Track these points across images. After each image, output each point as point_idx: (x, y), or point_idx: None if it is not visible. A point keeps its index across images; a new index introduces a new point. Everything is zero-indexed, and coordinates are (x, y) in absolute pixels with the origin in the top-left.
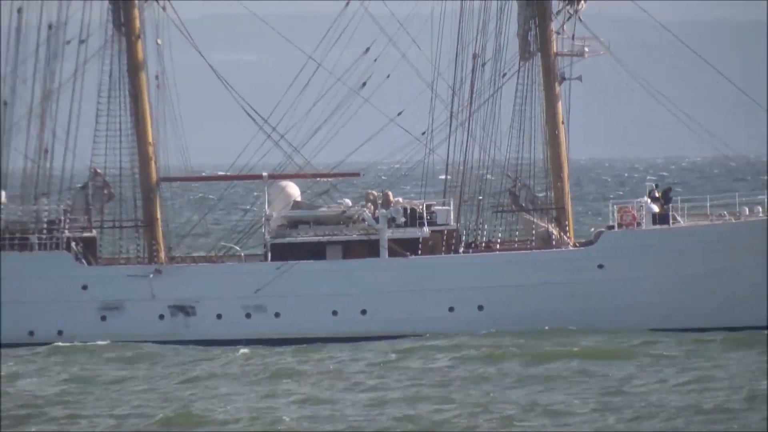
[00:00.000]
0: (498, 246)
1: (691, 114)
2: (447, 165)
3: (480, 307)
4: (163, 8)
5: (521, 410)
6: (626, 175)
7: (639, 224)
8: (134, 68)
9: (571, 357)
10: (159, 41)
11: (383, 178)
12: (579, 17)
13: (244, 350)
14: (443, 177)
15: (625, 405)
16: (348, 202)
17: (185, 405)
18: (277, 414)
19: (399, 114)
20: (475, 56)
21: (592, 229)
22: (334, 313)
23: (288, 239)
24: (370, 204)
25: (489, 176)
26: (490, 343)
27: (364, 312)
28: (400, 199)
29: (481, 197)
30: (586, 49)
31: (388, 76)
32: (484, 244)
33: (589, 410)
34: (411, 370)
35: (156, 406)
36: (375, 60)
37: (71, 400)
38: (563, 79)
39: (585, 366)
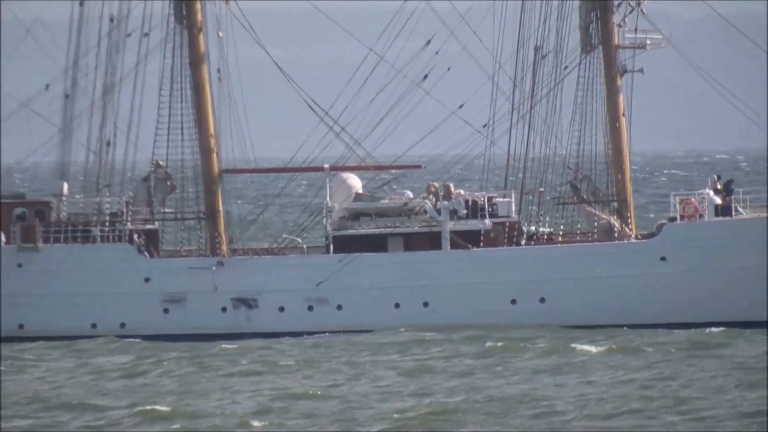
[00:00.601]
0: (559, 238)
1: (751, 105)
2: (508, 157)
3: (542, 300)
4: (227, 2)
5: None
6: (689, 166)
7: (701, 216)
8: (196, 61)
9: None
10: (220, 34)
11: (453, 171)
12: (642, 10)
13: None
14: (504, 169)
15: None
16: (409, 194)
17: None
18: None
19: (460, 107)
20: (536, 49)
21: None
22: (396, 305)
23: (350, 231)
24: (431, 196)
25: (550, 169)
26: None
27: (426, 304)
28: (462, 191)
29: (542, 189)
30: (648, 42)
31: (449, 69)
32: (545, 237)
33: None
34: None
35: None
36: (437, 53)
37: None
38: (624, 71)
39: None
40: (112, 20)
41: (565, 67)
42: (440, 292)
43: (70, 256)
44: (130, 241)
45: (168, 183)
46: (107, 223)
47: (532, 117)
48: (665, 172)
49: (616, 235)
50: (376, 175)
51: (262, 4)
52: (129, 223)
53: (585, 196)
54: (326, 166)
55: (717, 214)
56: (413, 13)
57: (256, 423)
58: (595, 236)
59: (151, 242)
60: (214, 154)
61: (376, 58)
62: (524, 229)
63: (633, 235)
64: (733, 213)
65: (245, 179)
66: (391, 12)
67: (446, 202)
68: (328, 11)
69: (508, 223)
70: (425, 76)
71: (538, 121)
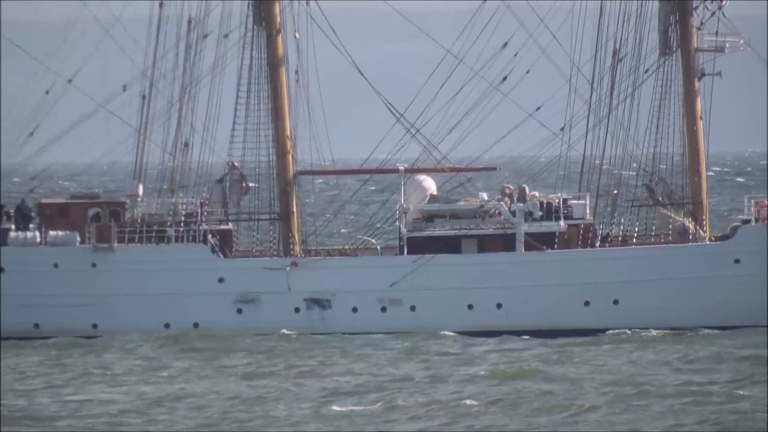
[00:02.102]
0: (634, 240)
1: None
2: (583, 159)
3: (615, 302)
4: (307, 3)
5: None
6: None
7: None
8: (274, 63)
9: None
10: (297, 35)
11: (529, 173)
12: (723, 13)
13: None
14: (579, 171)
15: None
16: (484, 196)
17: None
18: None
19: (537, 109)
20: (615, 52)
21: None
22: (470, 306)
23: (424, 233)
24: (506, 198)
25: (628, 171)
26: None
27: (499, 306)
28: (537, 193)
29: (616, 191)
30: (727, 45)
31: (528, 72)
32: (620, 239)
33: None
34: None
35: None
36: (515, 55)
37: None
38: (703, 74)
39: None
40: (190, 22)
41: (646, 71)
42: (514, 294)
43: (144, 256)
44: (205, 241)
45: (243, 184)
46: (182, 224)
47: (610, 120)
48: (742, 174)
49: (690, 237)
50: (452, 177)
51: (339, 4)
52: (203, 224)
53: (660, 199)
54: (401, 167)
55: None
56: (493, 15)
57: None
58: (670, 238)
59: (225, 243)
60: (290, 156)
61: (451, 58)
62: (599, 231)
63: (707, 238)
64: None
65: (319, 181)
66: (466, 11)
67: (521, 204)
68: (403, 11)
69: (582, 225)
70: (504, 78)
71: (615, 123)
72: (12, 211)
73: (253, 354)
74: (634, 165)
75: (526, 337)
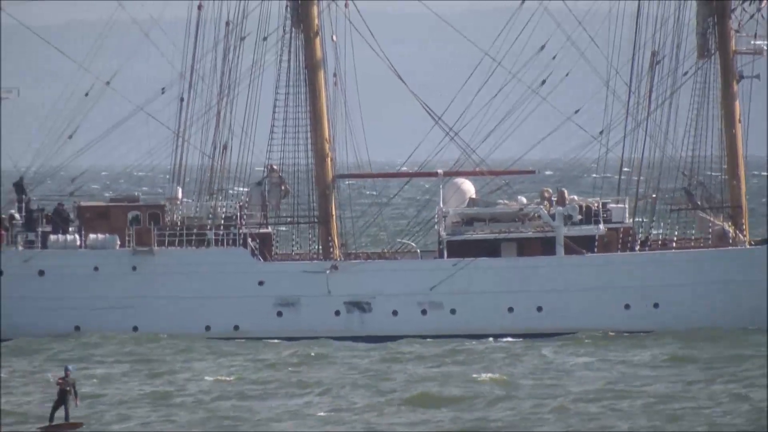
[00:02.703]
0: (674, 244)
1: None
2: (621, 162)
3: (656, 305)
4: (345, 5)
5: None
6: None
7: None
8: (312, 65)
9: None
10: (334, 38)
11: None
12: (762, 15)
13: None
14: (618, 175)
15: None
16: (523, 199)
17: None
18: None
19: (576, 112)
20: (653, 54)
21: None
22: (510, 309)
23: (464, 236)
24: (545, 201)
25: (664, 175)
26: None
27: (539, 309)
28: (576, 197)
29: (655, 195)
30: (766, 48)
31: (567, 74)
32: (659, 242)
33: None
34: None
35: None
36: (554, 57)
37: None
38: (741, 77)
39: None
40: (228, 24)
41: (685, 73)
42: (554, 297)
43: (184, 259)
44: (245, 244)
45: (282, 187)
46: (221, 227)
47: (648, 123)
48: None
49: (729, 241)
50: (490, 180)
51: (376, 6)
52: (243, 227)
53: (699, 203)
54: (440, 171)
55: None
56: (531, 17)
57: None
58: (709, 242)
59: (264, 246)
60: (329, 159)
61: (489, 61)
62: (638, 234)
63: (747, 241)
64: None
65: (358, 184)
66: (505, 11)
67: (560, 208)
68: (441, 13)
69: (622, 229)
70: (543, 82)
71: (654, 126)
72: (50, 214)
73: None
74: (673, 168)
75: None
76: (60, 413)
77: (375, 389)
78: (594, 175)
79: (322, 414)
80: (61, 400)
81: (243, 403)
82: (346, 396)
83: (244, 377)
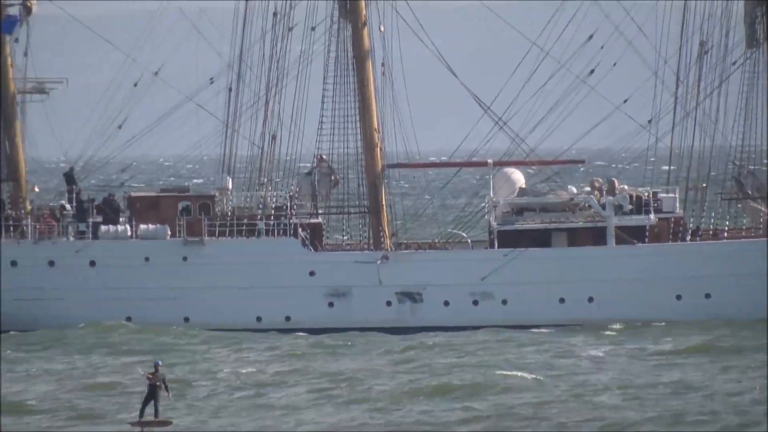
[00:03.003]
0: (725, 234)
1: None
2: (671, 152)
3: (707, 295)
4: None
5: None
6: None
7: None
8: (359, 56)
9: None
10: (381, 28)
11: (614, 166)
12: None
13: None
14: (667, 164)
15: None
16: (573, 189)
17: None
18: None
19: (625, 101)
20: (701, 44)
21: None
22: (561, 300)
23: (515, 226)
24: (596, 191)
25: (715, 164)
26: None
27: (591, 299)
28: (626, 187)
29: (705, 184)
30: None
31: (615, 64)
32: (710, 232)
33: None
34: None
35: None
36: (602, 47)
37: None
38: None
39: None
40: (275, 14)
41: (734, 63)
42: (605, 288)
43: (234, 249)
44: (295, 234)
45: (332, 177)
46: (272, 217)
47: (697, 112)
48: None
49: None
50: (540, 170)
51: None
52: (294, 217)
53: (750, 192)
54: (490, 161)
55: None
56: (578, 8)
57: None
58: (760, 232)
59: (315, 236)
60: (378, 149)
61: (536, 51)
62: (689, 224)
63: None
64: None
65: (407, 174)
66: (548, 3)
67: (611, 198)
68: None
69: (672, 219)
70: (592, 71)
71: (703, 116)
72: (100, 204)
73: None
74: (723, 158)
75: None
76: (150, 409)
77: None
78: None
79: None
80: (151, 395)
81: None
82: None
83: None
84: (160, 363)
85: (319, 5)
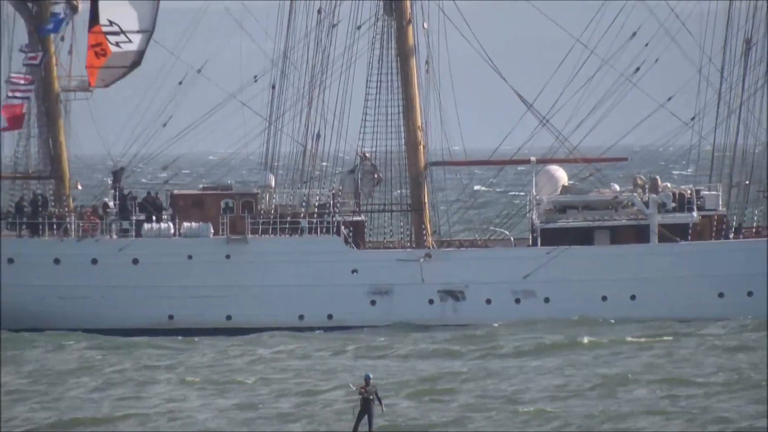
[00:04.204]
0: (767, 231)
1: None
2: (713, 149)
3: (749, 293)
4: None
5: None
6: None
7: None
8: (404, 53)
9: None
10: (425, 25)
11: (661, 163)
12: None
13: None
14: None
15: None
16: (616, 186)
17: None
18: None
19: (669, 99)
20: (746, 41)
21: None
22: (604, 298)
23: (558, 224)
24: (638, 189)
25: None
26: None
27: (633, 297)
28: (669, 184)
29: (748, 182)
30: None
31: (657, 61)
32: (753, 230)
33: None
34: None
35: None
36: (646, 45)
37: None
38: None
39: None
40: (320, 11)
41: None
42: (648, 286)
43: (277, 247)
44: (338, 232)
45: (374, 175)
46: (315, 215)
47: (742, 110)
48: None
49: None
50: (583, 167)
51: None
52: (336, 215)
53: None
54: (533, 158)
55: None
56: (623, 8)
57: None
58: None
59: (357, 234)
60: (421, 147)
61: (579, 47)
62: (732, 222)
63: None
64: None
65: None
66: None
67: (654, 195)
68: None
69: (715, 216)
70: (637, 69)
71: (747, 113)
72: (142, 201)
73: None
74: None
75: None
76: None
77: None
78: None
79: None
80: (364, 410)
81: None
82: None
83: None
84: (370, 376)
85: (364, 3)
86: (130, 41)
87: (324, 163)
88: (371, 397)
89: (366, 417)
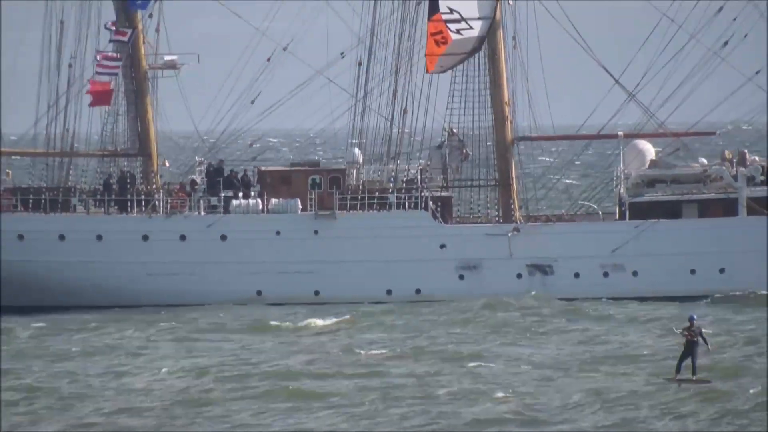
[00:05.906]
0: None
1: None
2: None
3: None
4: None
5: None
6: None
7: None
8: (491, 28)
9: None
10: (510, 2)
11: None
12: None
13: None
14: None
15: None
16: (704, 160)
17: None
18: None
19: (757, 72)
20: None
21: None
22: (692, 272)
23: (646, 198)
24: (726, 163)
25: None
26: None
27: (722, 271)
28: (757, 158)
29: None
30: None
31: (746, 36)
32: None
33: None
34: None
35: None
36: (734, 19)
37: None
38: None
39: None
40: None
41: None
42: (736, 259)
43: (366, 222)
44: (426, 207)
45: (462, 151)
46: (403, 190)
47: None
48: None
49: None
50: (669, 143)
51: None
52: (424, 190)
53: None
54: (620, 133)
55: None
56: None
57: None
58: None
59: (445, 209)
60: (509, 122)
61: (666, 21)
62: None
63: None
64: None
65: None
66: None
67: (743, 168)
68: None
69: None
70: (725, 43)
71: None
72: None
73: None
74: None
75: None
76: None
77: None
78: None
79: None
80: (688, 351)
81: None
82: None
83: None
84: (694, 317)
85: None
86: (470, 28)
87: (416, 138)
88: (696, 338)
89: (690, 359)
